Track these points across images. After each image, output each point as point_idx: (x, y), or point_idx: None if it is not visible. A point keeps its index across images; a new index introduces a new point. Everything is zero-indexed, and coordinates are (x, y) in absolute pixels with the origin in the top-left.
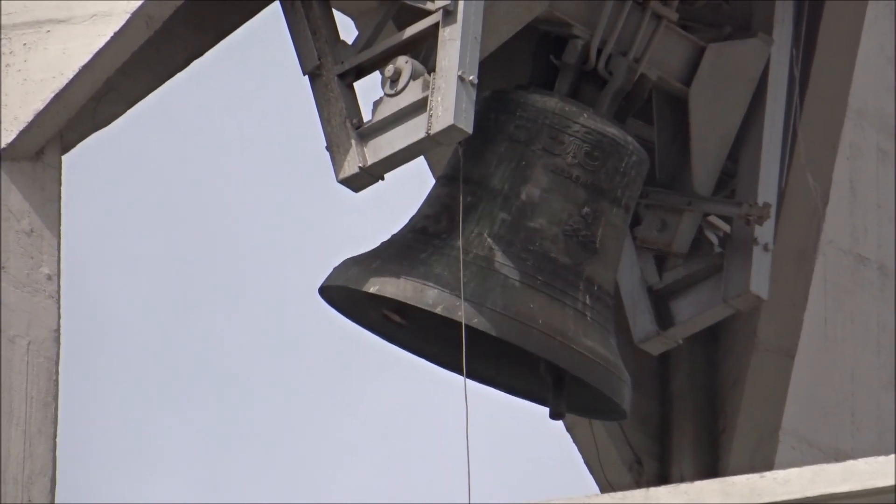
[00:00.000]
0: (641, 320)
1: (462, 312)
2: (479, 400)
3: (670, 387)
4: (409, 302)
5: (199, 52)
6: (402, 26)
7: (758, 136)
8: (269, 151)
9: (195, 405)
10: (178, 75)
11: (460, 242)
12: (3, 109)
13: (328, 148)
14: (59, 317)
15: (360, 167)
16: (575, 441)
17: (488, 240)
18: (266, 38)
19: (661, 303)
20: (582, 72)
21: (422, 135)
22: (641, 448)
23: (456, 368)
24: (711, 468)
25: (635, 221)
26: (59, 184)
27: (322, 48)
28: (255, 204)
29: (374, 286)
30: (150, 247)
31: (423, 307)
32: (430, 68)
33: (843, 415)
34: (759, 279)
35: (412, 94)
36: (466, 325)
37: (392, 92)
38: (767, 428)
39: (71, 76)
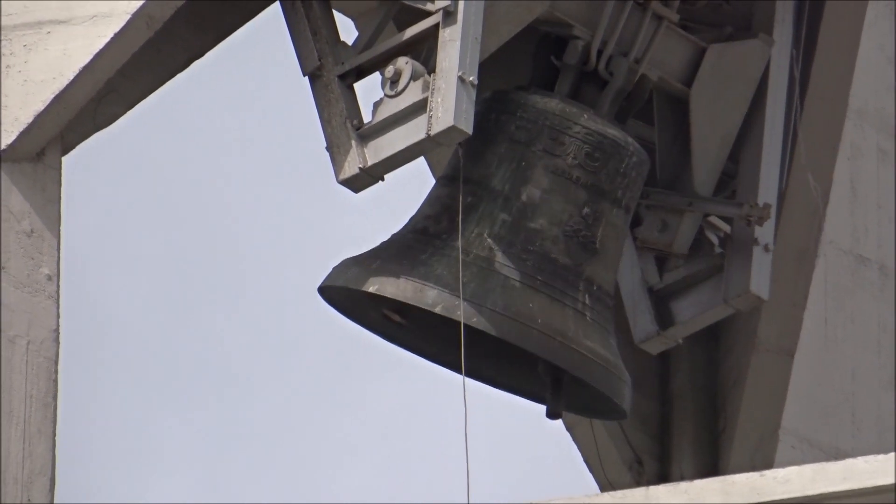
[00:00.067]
0: (642, 320)
1: (461, 312)
2: (478, 399)
3: (670, 386)
4: (408, 302)
5: (200, 53)
6: (402, 27)
7: (758, 137)
8: (270, 152)
9: (195, 405)
10: (179, 76)
11: (459, 243)
12: (3, 110)
13: (328, 148)
14: (58, 317)
15: (360, 168)
16: (575, 440)
17: (488, 240)
18: (266, 38)
19: (661, 303)
20: (582, 72)
21: (422, 136)
22: (642, 447)
23: (456, 368)
24: (712, 467)
25: (636, 222)
26: (60, 185)
27: (322, 49)
28: (255, 204)
29: (374, 286)
30: (150, 247)
31: (422, 307)
32: (431, 69)
33: (844, 414)
34: (760, 279)
35: (412, 94)
36: (466, 325)
37: (392, 93)
38: (768, 427)
39: (71, 77)
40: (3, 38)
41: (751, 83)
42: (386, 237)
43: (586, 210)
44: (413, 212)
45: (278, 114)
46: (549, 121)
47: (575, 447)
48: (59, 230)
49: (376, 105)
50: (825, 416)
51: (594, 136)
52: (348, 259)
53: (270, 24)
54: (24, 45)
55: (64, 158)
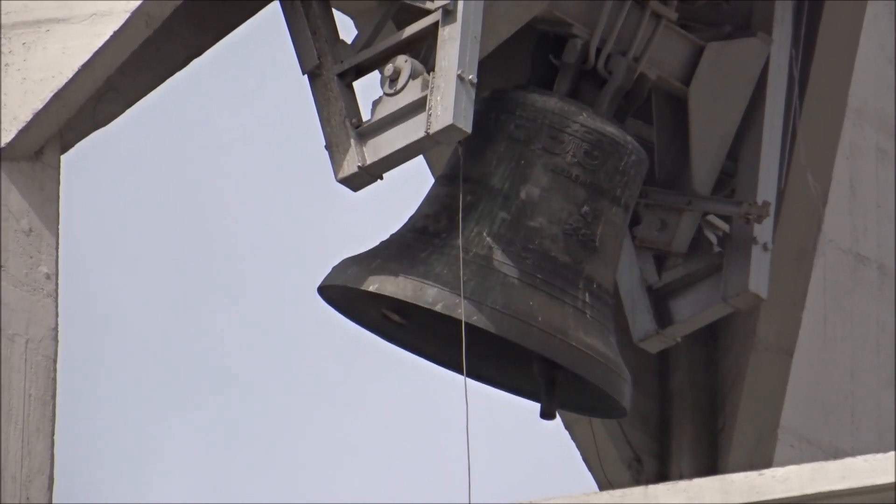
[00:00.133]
0: (640, 319)
1: (462, 310)
2: (478, 399)
3: (669, 385)
4: (408, 300)
5: (199, 52)
6: (401, 26)
7: (757, 136)
8: (269, 150)
9: (194, 404)
10: (178, 74)
11: (460, 242)
12: (2, 109)
13: (327, 147)
14: (57, 315)
15: (359, 166)
16: (574, 439)
17: (488, 239)
18: (265, 37)
19: (660, 302)
20: (581, 71)
21: (421, 134)
22: (641, 446)
23: (456, 367)
24: (711, 466)
25: (635, 221)
26: (58, 183)
27: (321, 47)
28: (254, 203)
29: (374, 285)
30: (150, 246)
31: (423, 305)
32: (430, 68)
33: (843, 413)
34: (759, 278)
35: (411, 93)
36: (466, 324)
37: (391, 91)
38: (767, 426)
39: (70, 75)
40: (2, 36)
41: (749, 82)
42: (385, 236)
43: (585, 208)
44: (412, 211)
45: (277, 112)
46: (548, 119)
47: (574, 446)
48: (57, 229)
49: (375, 104)
50: (824, 415)
51: (593, 135)
52: (347, 259)
53: (269, 23)
54: (23, 44)
55: (63, 157)
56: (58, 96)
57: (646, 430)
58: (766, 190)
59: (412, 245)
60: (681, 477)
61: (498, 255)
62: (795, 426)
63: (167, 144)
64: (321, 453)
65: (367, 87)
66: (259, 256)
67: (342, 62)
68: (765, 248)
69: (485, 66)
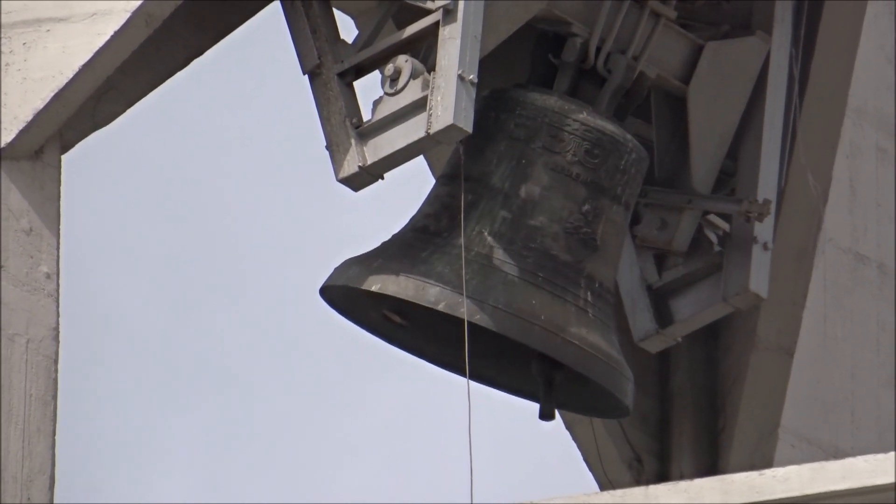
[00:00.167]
0: (641, 319)
1: (465, 309)
2: (480, 399)
3: (670, 385)
4: (410, 300)
5: (199, 51)
6: (401, 25)
7: (757, 135)
8: (269, 150)
9: (195, 405)
10: (178, 74)
11: (462, 241)
12: (2, 108)
13: (328, 147)
14: (58, 315)
15: (359, 166)
16: (575, 439)
17: (489, 238)
18: (266, 37)
19: (660, 301)
20: (581, 70)
21: (421, 134)
22: (641, 446)
23: (456, 368)
24: (711, 466)
25: (635, 220)
26: (59, 183)
27: (322, 47)
28: (255, 203)
29: (376, 284)
30: (150, 246)
31: (425, 304)
32: (430, 67)
33: (843, 413)
34: (759, 278)
35: (412, 93)
36: (469, 323)
37: (392, 91)
38: (767, 426)
39: (71, 75)
40: (2, 35)
41: (748, 80)
42: (386, 236)
43: (586, 207)
44: (413, 210)
45: (278, 112)
46: (549, 118)
47: (575, 446)
48: (58, 228)
49: (376, 103)
50: (824, 414)
51: (593, 133)
52: (349, 259)
53: (270, 23)
54: (24, 43)
55: (63, 157)
56: (58, 96)
57: (646, 429)
58: (767, 188)
59: (413, 245)
60: (681, 477)
61: (499, 254)
62: (796, 426)
63: (167, 144)
64: (321, 453)
65: (368, 87)
66: (259, 256)
67: (342, 62)
68: (765, 247)
69: (484, 65)
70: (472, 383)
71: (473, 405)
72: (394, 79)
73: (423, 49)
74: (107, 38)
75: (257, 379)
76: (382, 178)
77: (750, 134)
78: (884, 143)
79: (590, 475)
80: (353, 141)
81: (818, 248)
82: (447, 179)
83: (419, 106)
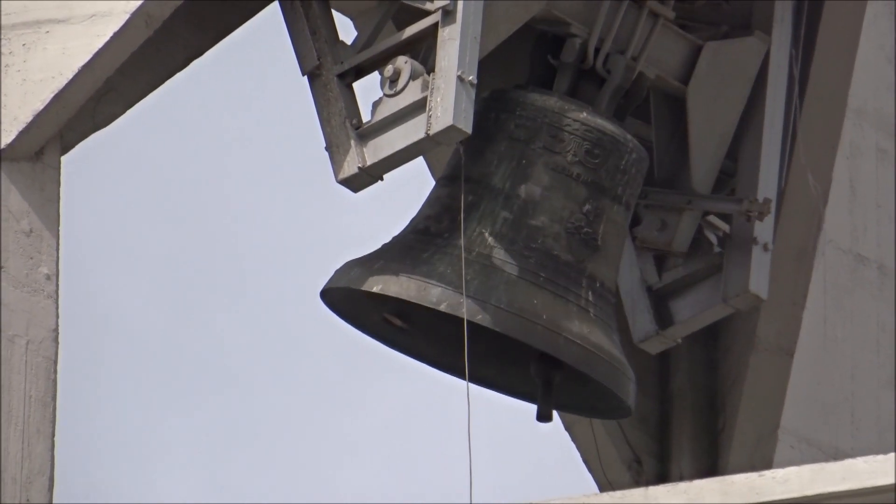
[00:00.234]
0: (641, 320)
1: (465, 310)
2: (479, 399)
3: (670, 386)
4: (412, 300)
5: (199, 52)
6: (401, 26)
7: (757, 135)
8: (269, 151)
9: (194, 405)
10: (178, 75)
11: (461, 242)
12: (2, 110)
13: (327, 148)
14: (57, 317)
15: (359, 167)
16: (574, 440)
17: (490, 238)
18: (265, 38)
19: (660, 302)
20: (580, 71)
21: (421, 135)
22: (641, 447)
23: (456, 371)
24: (711, 467)
25: (634, 221)
26: (59, 184)
27: (321, 48)
28: (255, 204)
29: (378, 285)
30: (150, 247)
31: (427, 305)
32: (430, 68)
33: (843, 414)
34: (759, 278)
35: (411, 94)
36: (469, 325)
37: (391, 92)
38: (767, 427)
39: (70, 76)
40: (2, 37)
41: (747, 80)
42: (386, 237)
43: (587, 207)
44: (413, 211)
45: (277, 113)
46: (549, 118)
47: (574, 447)
48: (57, 230)
49: (375, 104)
50: (824, 415)
51: (594, 133)
52: (350, 261)
53: (269, 24)
54: (23, 45)
55: (63, 158)
56: (58, 97)
57: (646, 430)
58: (767, 188)
59: (414, 246)
60: (681, 478)
61: (500, 255)
62: (795, 427)
63: (167, 145)
64: (321, 453)
65: (367, 88)
66: (259, 257)
67: (342, 63)
68: (765, 248)
69: (483, 66)
70: (472, 385)
71: (473, 406)
72: (393, 80)
73: (423, 50)
74: (106, 39)
75: (257, 379)
76: (382, 180)
77: (750, 134)
78: (884, 144)
79: (589, 476)
80: (352, 142)
81: (818, 248)
82: (447, 181)
83: (419, 107)
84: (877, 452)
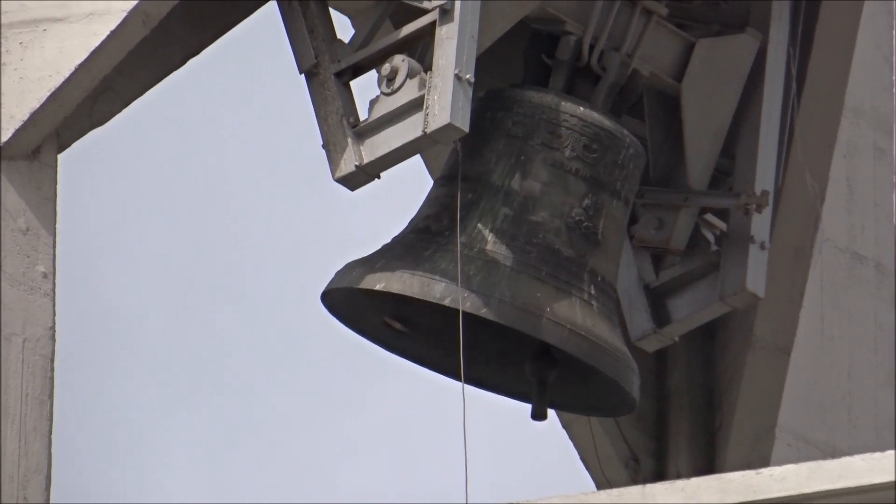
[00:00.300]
0: (638, 318)
1: (460, 305)
2: (477, 398)
3: (667, 384)
4: (416, 296)
5: (196, 51)
6: (398, 25)
7: (754, 134)
8: (266, 150)
9: (194, 405)
10: (175, 74)
11: (458, 237)
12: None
13: (324, 146)
14: (54, 315)
15: (356, 166)
16: (571, 438)
17: (491, 235)
18: (263, 36)
19: (657, 301)
20: (575, 68)
21: (418, 133)
22: (638, 445)
23: (456, 375)
24: (708, 465)
25: (631, 221)
26: (55, 182)
27: (319, 47)
28: (252, 203)
29: (380, 283)
30: (147, 245)
31: (430, 300)
32: (427, 67)
33: (840, 412)
34: (756, 277)
35: (409, 92)
36: (467, 327)
37: (389, 90)
38: (764, 425)
39: (67, 75)
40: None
41: (740, 77)
42: (384, 235)
43: (587, 202)
44: (411, 210)
45: (274, 111)
46: (546, 114)
47: (571, 445)
48: (54, 228)
49: (372, 103)
50: (821, 413)
51: (591, 128)
52: (351, 262)
53: (267, 22)
54: (21, 43)
55: (60, 156)
56: (55, 96)
57: (643, 428)
58: (764, 183)
59: (415, 245)
60: (678, 476)
61: (502, 250)
62: (793, 425)
63: (164, 144)
64: (321, 453)
65: (365, 87)
66: (258, 257)
67: (339, 61)
68: (762, 246)
69: (478, 67)
70: (471, 386)
71: (470, 405)
72: (391, 78)
73: (420, 48)
74: (103, 37)
75: (257, 379)
76: (379, 178)
77: (746, 132)
78: (881, 143)
79: (587, 474)
80: (349, 140)
81: (815, 247)
82: (445, 181)
83: (416, 105)
84: (874, 450)
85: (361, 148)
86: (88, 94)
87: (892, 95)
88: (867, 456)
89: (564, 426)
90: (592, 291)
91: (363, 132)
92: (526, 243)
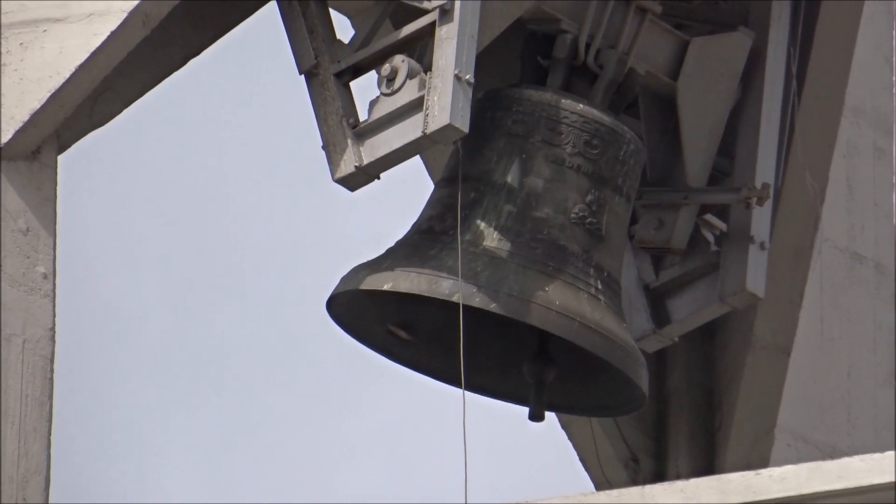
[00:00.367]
0: (637, 318)
1: (460, 297)
2: (476, 399)
3: (667, 384)
4: (424, 294)
5: (196, 52)
6: (398, 25)
7: (754, 135)
8: (266, 150)
9: (193, 405)
10: (175, 74)
11: (458, 233)
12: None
13: (324, 147)
14: (54, 316)
15: (356, 166)
16: (571, 439)
17: (496, 232)
18: (263, 37)
19: (657, 301)
20: (572, 67)
21: (418, 134)
22: (637, 445)
23: (458, 384)
24: (707, 466)
25: (631, 222)
26: (55, 183)
27: (319, 47)
28: (252, 204)
29: (388, 283)
30: (147, 246)
31: (439, 297)
32: (427, 67)
33: (840, 412)
34: (755, 277)
35: (408, 93)
36: (470, 331)
37: (388, 91)
38: (763, 425)
39: (67, 75)
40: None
41: (735, 75)
42: (384, 235)
43: (590, 197)
44: (411, 210)
45: (274, 112)
46: (546, 112)
47: (571, 446)
48: (54, 229)
49: (372, 103)
50: (821, 414)
51: (591, 125)
52: (357, 266)
53: (267, 23)
54: (21, 44)
55: (60, 157)
56: (55, 96)
57: (643, 429)
58: (764, 178)
59: (420, 245)
60: (678, 476)
61: (508, 247)
62: (792, 425)
63: (164, 144)
64: (320, 454)
65: (365, 87)
66: (257, 258)
67: (339, 62)
68: (762, 246)
69: (475, 69)
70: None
71: (470, 406)
72: (390, 79)
73: (420, 49)
74: (104, 38)
75: (256, 380)
76: (379, 178)
77: (746, 133)
78: (881, 143)
79: (586, 475)
80: (349, 141)
81: (815, 247)
82: (447, 182)
83: (416, 106)
84: (873, 451)
85: (361, 149)
86: (88, 94)
87: (892, 95)
88: (867, 456)
89: (563, 427)
90: (599, 286)
91: (363, 133)
92: (531, 239)
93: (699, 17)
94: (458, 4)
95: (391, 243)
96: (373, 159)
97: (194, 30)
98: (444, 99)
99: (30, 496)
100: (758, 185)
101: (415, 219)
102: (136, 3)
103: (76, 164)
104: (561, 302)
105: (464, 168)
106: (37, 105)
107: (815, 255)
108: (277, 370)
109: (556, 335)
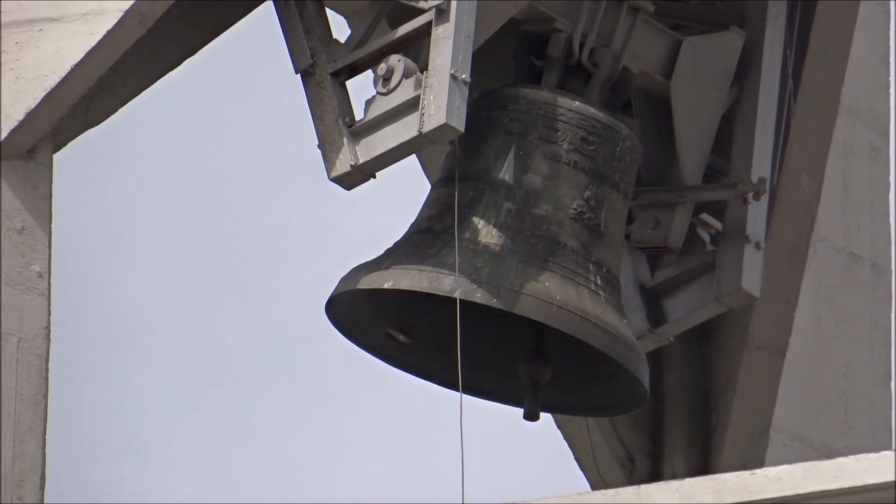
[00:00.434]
0: (633, 318)
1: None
2: (473, 399)
3: (662, 384)
4: (426, 290)
5: (192, 51)
6: (394, 25)
7: (749, 135)
8: (262, 149)
9: (192, 405)
10: (171, 74)
11: (455, 230)
12: None
13: (320, 146)
14: (49, 315)
15: (352, 165)
16: (567, 439)
17: (496, 229)
18: (259, 36)
19: (653, 301)
20: (567, 66)
21: (414, 133)
22: (633, 445)
23: (457, 388)
24: (703, 466)
25: (628, 222)
26: (51, 182)
27: (315, 47)
28: (248, 203)
29: (389, 282)
30: (143, 245)
31: (441, 294)
32: (423, 67)
33: (836, 413)
34: (751, 277)
35: (405, 92)
36: (468, 333)
37: (384, 90)
38: (759, 426)
39: (63, 75)
40: None
41: (727, 74)
42: (380, 234)
43: (588, 193)
44: (407, 208)
45: (270, 111)
46: (542, 109)
47: (567, 445)
48: (50, 228)
49: (368, 103)
50: (817, 414)
51: (588, 122)
52: (357, 266)
53: (263, 22)
54: (17, 43)
55: (55, 156)
56: (51, 95)
57: (639, 429)
58: (761, 174)
59: (420, 244)
60: (673, 476)
61: (508, 243)
62: (788, 425)
63: (160, 143)
64: (319, 454)
65: (361, 87)
66: (254, 257)
67: (335, 61)
68: (757, 246)
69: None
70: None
71: (467, 406)
72: (386, 78)
73: (416, 48)
74: (99, 37)
75: (255, 379)
76: (375, 178)
77: (741, 133)
78: (877, 143)
79: (582, 475)
80: (345, 140)
81: (811, 247)
82: (444, 182)
83: (412, 105)
84: (870, 451)
85: (357, 148)
86: (84, 93)
87: (888, 96)
88: (863, 456)
89: (559, 426)
90: (599, 281)
91: (359, 132)
92: (531, 236)
93: (696, 17)
94: (454, 4)
95: (390, 243)
96: (368, 158)
97: (190, 29)
98: (440, 98)
99: (25, 496)
100: (754, 178)
101: (413, 218)
102: (131, 2)
103: (72, 163)
104: (562, 297)
105: (462, 167)
106: (33, 104)
107: (811, 255)
108: (277, 370)
109: (553, 335)
